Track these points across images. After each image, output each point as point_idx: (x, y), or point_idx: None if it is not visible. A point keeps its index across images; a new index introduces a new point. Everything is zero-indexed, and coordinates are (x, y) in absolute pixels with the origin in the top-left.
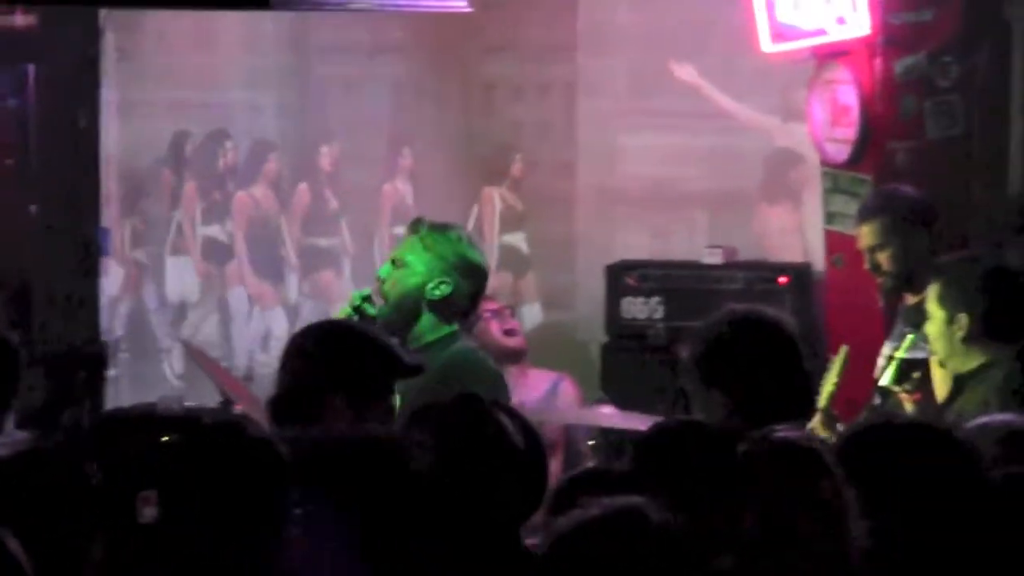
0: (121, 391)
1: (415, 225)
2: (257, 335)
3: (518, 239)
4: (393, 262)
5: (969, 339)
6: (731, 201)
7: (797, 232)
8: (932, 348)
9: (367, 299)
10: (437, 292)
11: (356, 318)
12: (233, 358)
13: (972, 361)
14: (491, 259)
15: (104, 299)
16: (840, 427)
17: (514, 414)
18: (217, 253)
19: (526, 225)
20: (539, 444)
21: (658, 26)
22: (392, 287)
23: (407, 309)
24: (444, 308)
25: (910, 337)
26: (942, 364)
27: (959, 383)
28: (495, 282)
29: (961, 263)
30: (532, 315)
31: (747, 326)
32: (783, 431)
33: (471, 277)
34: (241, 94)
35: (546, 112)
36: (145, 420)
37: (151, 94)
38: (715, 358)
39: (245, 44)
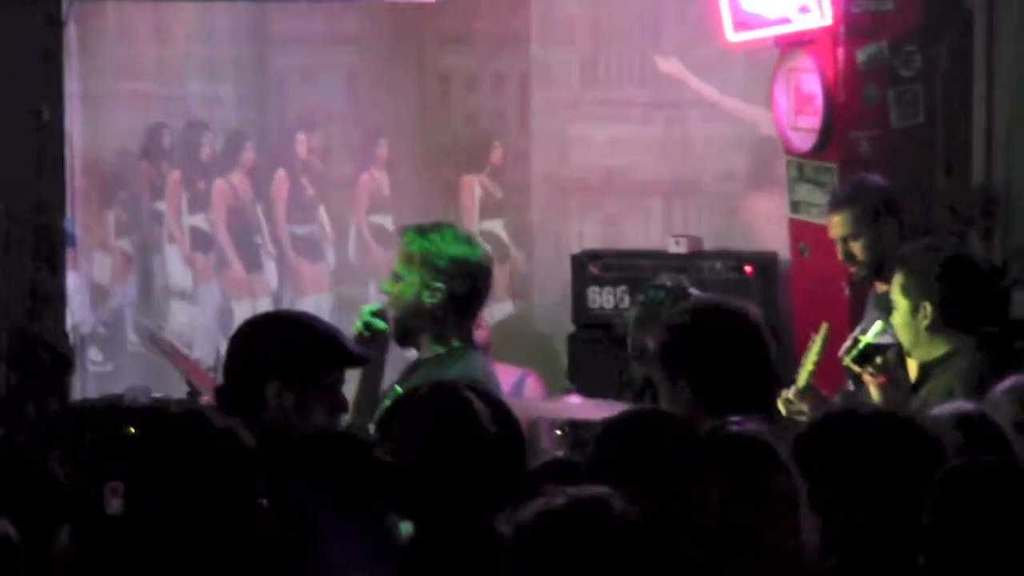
0: (106, 380)
1: (399, 233)
2: (229, 325)
3: (497, 226)
4: (394, 276)
5: (933, 328)
6: (683, 189)
7: (784, 220)
8: (899, 337)
9: (377, 314)
10: (433, 299)
11: (367, 334)
12: (199, 348)
13: (937, 349)
14: None
15: (90, 289)
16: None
17: (493, 401)
18: (203, 243)
19: (505, 213)
20: (516, 431)
21: (610, 17)
22: (393, 302)
23: (410, 323)
24: (447, 313)
25: (880, 323)
26: (908, 353)
27: (925, 371)
28: None
29: (924, 253)
30: (503, 305)
31: (712, 316)
32: (737, 423)
33: (464, 274)
34: (204, 86)
35: (501, 103)
36: (111, 411)
37: (113, 86)
38: (680, 348)
39: (206, 35)
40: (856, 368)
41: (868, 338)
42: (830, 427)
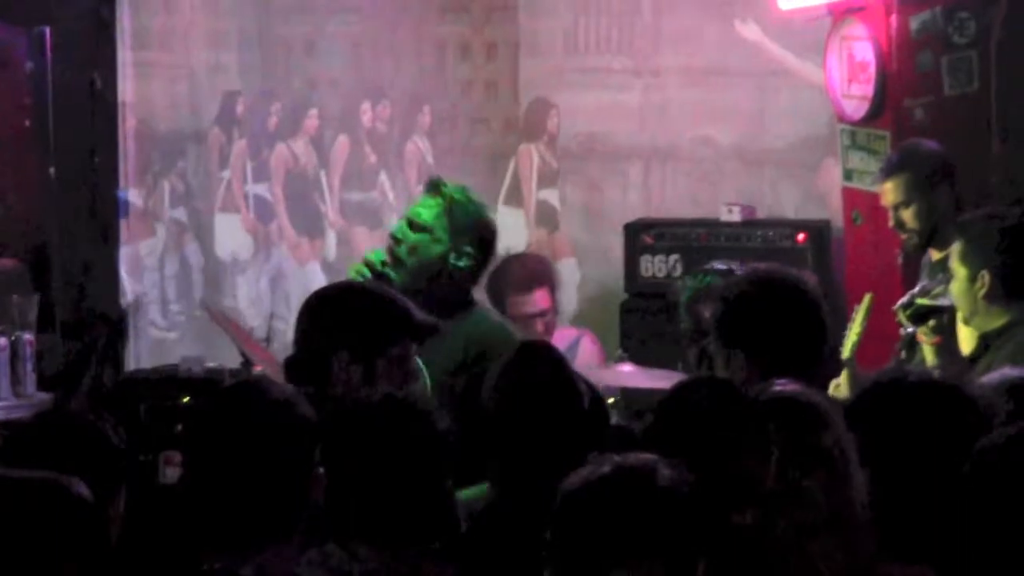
0: (162, 348)
1: (437, 187)
2: (284, 292)
3: (552, 195)
4: (411, 224)
5: (991, 297)
6: (662, 155)
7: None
8: (957, 305)
9: (385, 263)
10: (461, 263)
11: (370, 277)
12: (255, 317)
13: (996, 320)
14: (530, 215)
15: (153, 259)
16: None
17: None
18: (265, 211)
19: (560, 181)
20: (600, 396)
21: None
22: (412, 252)
23: (428, 276)
24: (461, 277)
25: (940, 288)
26: (966, 322)
27: (985, 341)
28: (534, 239)
29: (984, 220)
30: (569, 270)
31: (769, 286)
32: (781, 385)
33: (486, 248)
34: (238, 55)
35: (493, 71)
36: (166, 381)
37: (166, 56)
38: (737, 318)
39: (245, 5)
40: (909, 325)
41: (926, 300)
42: (878, 394)
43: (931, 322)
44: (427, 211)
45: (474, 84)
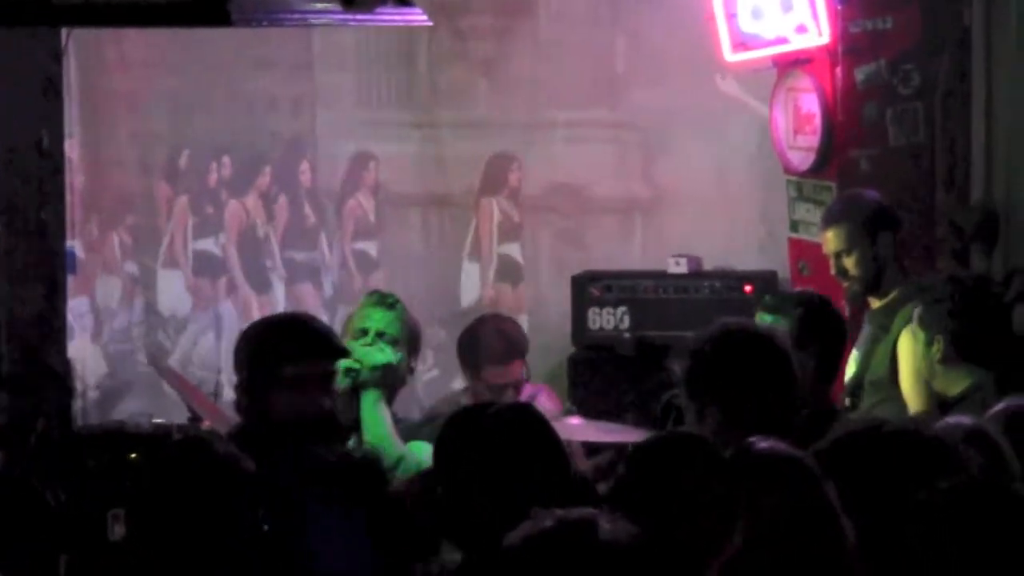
0: (109, 403)
1: (390, 301)
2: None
3: (514, 249)
4: (393, 341)
5: (947, 361)
6: (438, 201)
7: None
8: (913, 368)
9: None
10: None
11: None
12: (199, 371)
13: (957, 384)
14: (490, 270)
15: (95, 313)
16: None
17: None
18: (210, 267)
19: (522, 235)
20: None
21: (378, 43)
22: (393, 374)
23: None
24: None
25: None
26: (925, 385)
27: (945, 406)
28: (494, 293)
29: (943, 284)
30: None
31: (739, 340)
32: (760, 442)
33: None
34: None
35: (296, 124)
36: (113, 437)
37: (113, 112)
38: (709, 373)
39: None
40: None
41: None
42: (854, 443)
43: None
44: (395, 327)
45: (280, 136)
